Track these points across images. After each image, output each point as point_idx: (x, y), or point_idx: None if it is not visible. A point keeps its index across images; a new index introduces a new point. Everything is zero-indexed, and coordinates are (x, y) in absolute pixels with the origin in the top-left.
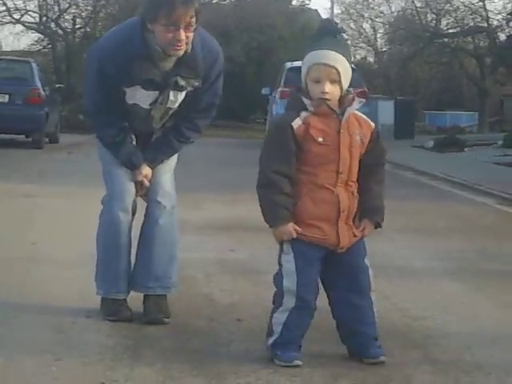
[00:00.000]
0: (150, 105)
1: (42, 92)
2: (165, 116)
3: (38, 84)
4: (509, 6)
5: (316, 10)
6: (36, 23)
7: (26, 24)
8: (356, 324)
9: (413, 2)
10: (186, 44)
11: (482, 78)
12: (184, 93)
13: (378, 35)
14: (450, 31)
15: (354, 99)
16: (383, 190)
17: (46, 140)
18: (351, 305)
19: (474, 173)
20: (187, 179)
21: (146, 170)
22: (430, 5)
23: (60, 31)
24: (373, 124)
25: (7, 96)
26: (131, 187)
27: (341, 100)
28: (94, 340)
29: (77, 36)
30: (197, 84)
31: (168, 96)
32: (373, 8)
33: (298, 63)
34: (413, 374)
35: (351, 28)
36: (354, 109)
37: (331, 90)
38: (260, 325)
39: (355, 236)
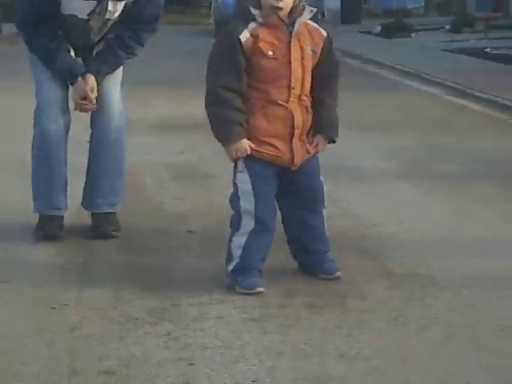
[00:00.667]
0: (88, 15)
1: None
2: (103, 27)
3: None
4: None
5: None
6: None
7: None
8: (308, 241)
9: None
10: None
11: None
12: (123, 3)
13: None
14: None
15: (304, 8)
16: (337, 103)
17: None
18: (303, 223)
19: (422, 60)
20: (133, 72)
21: (91, 81)
22: None
23: None
24: (325, 33)
25: None
26: (61, 96)
27: (291, 10)
28: (43, 260)
29: None
30: None
31: (106, 6)
32: None
33: None
34: (368, 289)
35: None
36: (305, 19)
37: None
38: (211, 237)
39: (308, 153)
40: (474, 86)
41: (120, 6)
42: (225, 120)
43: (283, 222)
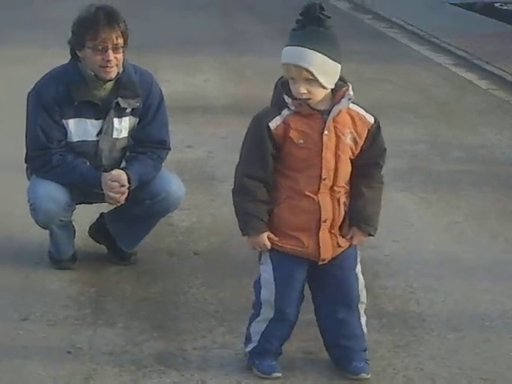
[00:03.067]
0: (97, 135)
1: None
2: (113, 150)
3: None
4: None
5: None
6: None
7: None
8: (341, 338)
9: None
10: (117, 66)
11: None
12: (127, 120)
13: None
14: None
15: (344, 95)
16: (379, 195)
17: None
18: (336, 319)
19: (432, 18)
20: (141, 32)
21: (116, 172)
22: None
23: None
24: (372, 120)
25: None
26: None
27: (334, 95)
28: (57, 290)
29: None
30: (137, 104)
31: (112, 123)
32: None
33: None
34: None
35: None
36: (343, 106)
37: (309, 90)
38: (215, 260)
39: (340, 246)
40: (481, 56)
41: (125, 124)
42: (245, 212)
43: (316, 314)
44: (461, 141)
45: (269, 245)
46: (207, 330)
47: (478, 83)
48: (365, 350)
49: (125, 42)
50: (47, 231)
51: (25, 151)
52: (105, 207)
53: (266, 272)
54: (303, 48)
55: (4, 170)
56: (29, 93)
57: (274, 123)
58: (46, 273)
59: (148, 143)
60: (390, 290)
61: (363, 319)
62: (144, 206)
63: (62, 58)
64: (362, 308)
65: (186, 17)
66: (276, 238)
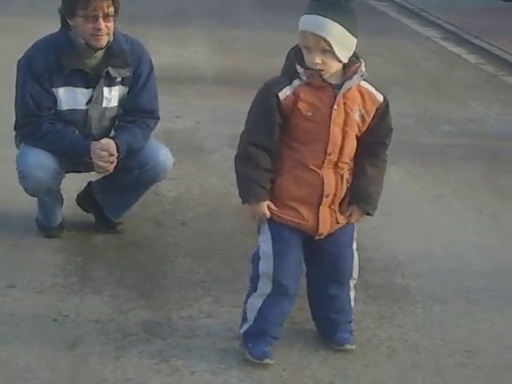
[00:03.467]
0: (86, 104)
1: None
2: (102, 119)
3: None
4: None
5: None
6: None
7: None
8: (330, 312)
9: None
10: (108, 34)
11: None
12: (117, 89)
13: None
14: None
15: (356, 71)
16: (382, 174)
17: None
18: (326, 293)
19: None
20: (132, 2)
21: (104, 141)
22: None
23: None
24: (381, 98)
25: None
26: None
27: (344, 70)
28: (45, 258)
29: None
30: (128, 74)
31: (102, 92)
32: None
33: None
34: None
35: None
36: (355, 83)
37: (324, 61)
38: (202, 231)
39: (338, 223)
40: (471, 30)
41: (115, 93)
42: (247, 179)
43: (307, 287)
44: (450, 115)
45: (268, 214)
46: (193, 300)
47: (466, 57)
48: (350, 322)
49: (116, 11)
50: (35, 199)
51: (14, 119)
52: (93, 176)
53: (265, 243)
54: (324, 18)
55: None
56: (19, 61)
57: (283, 93)
58: (34, 241)
59: (137, 112)
60: (376, 262)
61: (352, 293)
62: (132, 176)
63: (52, 26)
64: (352, 283)
65: None
66: (276, 208)
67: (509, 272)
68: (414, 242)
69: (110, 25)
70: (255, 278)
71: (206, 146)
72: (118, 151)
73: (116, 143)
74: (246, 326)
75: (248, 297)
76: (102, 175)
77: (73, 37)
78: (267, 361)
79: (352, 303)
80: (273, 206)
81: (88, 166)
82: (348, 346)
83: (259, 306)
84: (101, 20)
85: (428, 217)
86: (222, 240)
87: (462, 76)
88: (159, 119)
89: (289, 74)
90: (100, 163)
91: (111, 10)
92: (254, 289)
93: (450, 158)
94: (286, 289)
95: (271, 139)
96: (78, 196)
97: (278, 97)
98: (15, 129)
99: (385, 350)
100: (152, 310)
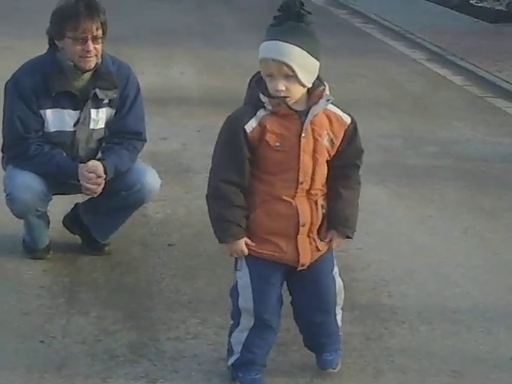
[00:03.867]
0: (74, 126)
1: None
2: (90, 140)
3: None
4: None
5: None
6: None
7: None
8: (319, 337)
9: None
10: (96, 56)
11: None
12: (104, 111)
13: None
14: None
15: (322, 95)
16: (357, 195)
17: None
18: (313, 322)
19: (407, 14)
20: (118, 23)
21: (91, 163)
22: None
23: None
24: (348, 120)
25: None
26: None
27: (310, 95)
28: (31, 279)
29: None
30: (115, 96)
31: (89, 114)
32: None
33: None
34: None
35: None
36: (321, 107)
37: (288, 87)
38: (189, 252)
39: (319, 250)
40: (456, 52)
41: (102, 115)
42: (221, 218)
43: (294, 314)
44: (435, 136)
45: (246, 251)
46: (180, 321)
47: (452, 79)
48: (338, 342)
49: (104, 33)
50: (21, 221)
51: (1, 141)
52: (79, 198)
53: (242, 279)
54: (284, 42)
55: None
56: (6, 83)
57: (249, 126)
58: (20, 262)
59: (124, 134)
60: (362, 282)
61: (339, 316)
62: (119, 197)
63: (41, 48)
64: (338, 308)
65: (163, 9)
66: (253, 244)
67: (494, 292)
68: (400, 263)
69: (99, 47)
70: (236, 314)
71: (192, 167)
72: (105, 173)
73: (103, 165)
74: (233, 358)
75: (231, 331)
76: (89, 197)
77: (60, 58)
78: None
79: (339, 323)
80: (250, 242)
81: (75, 188)
82: (330, 370)
83: (244, 339)
84: (90, 42)
85: (414, 237)
86: (208, 261)
87: (447, 97)
88: (146, 141)
89: (252, 104)
90: (87, 185)
91: (100, 32)
92: (236, 324)
93: (436, 179)
94: (269, 323)
95: (242, 175)
96: (65, 218)
97: (244, 130)
98: (2, 150)
99: (371, 371)
100: (139, 332)
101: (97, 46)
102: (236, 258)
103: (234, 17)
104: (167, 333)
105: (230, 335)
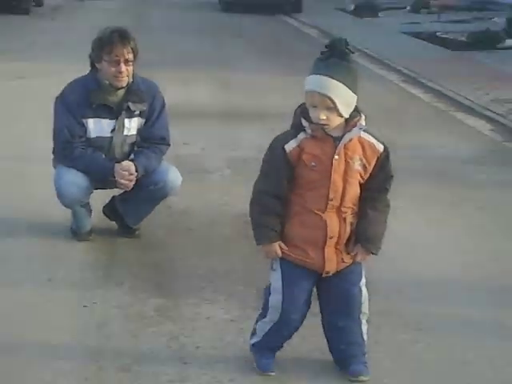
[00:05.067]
0: (111, 132)
1: None
2: (124, 145)
3: None
4: None
5: None
6: None
7: None
8: (342, 344)
9: None
10: (127, 76)
11: None
12: (136, 122)
13: None
14: None
15: (356, 124)
16: (384, 216)
17: (33, 3)
18: (337, 326)
19: (385, 44)
20: (146, 50)
21: (125, 163)
22: None
23: None
24: (381, 148)
25: None
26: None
27: (346, 124)
28: (77, 257)
29: None
30: (144, 108)
31: (123, 123)
32: None
33: None
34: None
35: None
36: (354, 134)
37: (328, 117)
38: (205, 235)
39: (344, 262)
40: (426, 75)
41: (134, 124)
42: (260, 223)
43: (322, 321)
44: (406, 142)
45: (280, 253)
46: (197, 290)
47: (421, 96)
48: (364, 354)
49: (134, 57)
50: (69, 210)
51: (52, 145)
52: (115, 191)
53: (275, 281)
54: (330, 78)
55: (33, 162)
56: (56, 97)
57: (289, 146)
58: (68, 243)
59: (152, 140)
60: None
61: (364, 328)
62: (147, 192)
63: (81, 72)
64: (363, 318)
65: (184, 41)
66: (286, 248)
67: (448, 260)
68: None
69: (130, 68)
70: (266, 308)
71: (208, 168)
72: (136, 171)
73: (135, 165)
74: (255, 340)
75: (258, 320)
76: (123, 191)
77: (99, 78)
78: (269, 373)
79: (365, 337)
80: (283, 246)
81: (112, 184)
82: (362, 378)
83: (267, 329)
84: (122, 64)
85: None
86: (220, 242)
87: (417, 111)
88: (170, 145)
89: (295, 128)
90: (122, 181)
91: (130, 56)
92: (263, 315)
93: (406, 176)
94: (292, 322)
95: (280, 187)
96: (104, 207)
97: (284, 149)
98: (52, 153)
99: None
100: (163, 298)
101: (128, 68)
102: (272, 260)
103: (241, 47)
104: (187, 299)
105: (256, 322)
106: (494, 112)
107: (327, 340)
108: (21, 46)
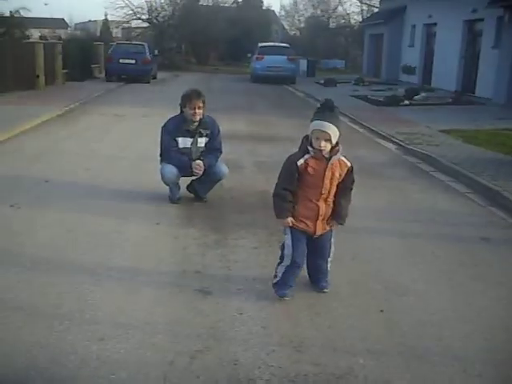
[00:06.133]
0: (190, 145)
1: (149, 57)
2: (197, 152)
3: (148, 55)
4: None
5: (273, 11)
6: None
7: (142, 19)
8: (317, 272)
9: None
10: (199, 115)
11: (347, 46)
12: (204, 140)
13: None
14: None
15: (338, 151)
16: (348, 203)
17: (152, 77)
18: (316, 264)
19: (339, 101)
20: (210, 102)
21: (198, 162)
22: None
23: (156, 22)
24: (349, 164)
25: (134, 60)
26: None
27: (332, 150)
28: (170, 212)
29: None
30: (208, 132)
31: (197, 140)
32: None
33: (264, 43)
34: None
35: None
36: (337, 157)
37: (325, 145)
38: (242, 202)
39: (325, 229)
40: (361, 118)
41: (202, 141)
42: (280, 206)
43: (307, 262)
44: (351, 154)
45: (290, 224)
46: (237, 231)
47: (359, 130)
48: (327, 278)
49: (204, 105)
50: (167, 187)
51: (159, 151)
52: (192, 178)
53: (288, 239)
54: (329, 123)
55: (150, 161)
56: (162, 126)
57: (299, 162)
58: (167, 204)
59: (212, 150)
60: None
61: (329, 264)
62: (210, 176)
63: (175, 112)
64: (329, 260)
65: (230, 98)
66: (294, 221)
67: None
68: None
69: (201, 111)
70: (282, 257)
71: (242, 165)
72: (204, 166)
73: (203, 162)
74: (276, 279)
75: (278, 265)
76: (196, 177)
77: (185, 115)
78: (286, 298)
79: (328, 267)
80: (293, 220)
81: (191, 173)
82: (325, 290)
83: (283, 271)
84: (196, 109)
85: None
86: (251, 206)
87: (357, 138)
88: (222, 152)
89: (302, 151)
90: (196, 171)
91: (201, 104)
92: (281, 261)
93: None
94: (298, 263)
95: (293, 186)
96: (188, 186)
97: (296, 164)
98: (160, 156)
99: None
100: (218, 235)
101: (200, 111)
102: (284, 228)
103: (264, 100)
104: (231, 236)
105: (276, 268)
106: (397, 139)
107: (308, 272)
108: (145, 100)
